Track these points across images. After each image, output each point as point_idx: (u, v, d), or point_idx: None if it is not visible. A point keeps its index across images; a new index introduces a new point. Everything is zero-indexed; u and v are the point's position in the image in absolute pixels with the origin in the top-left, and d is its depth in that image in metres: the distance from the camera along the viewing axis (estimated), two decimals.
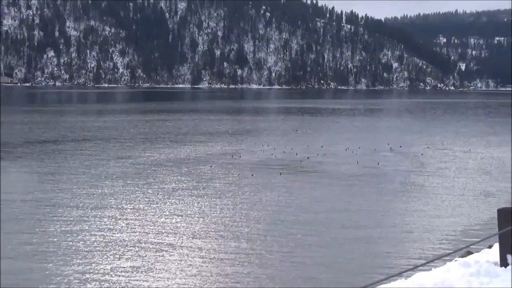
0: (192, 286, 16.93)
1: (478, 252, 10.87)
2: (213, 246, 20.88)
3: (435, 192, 31.54)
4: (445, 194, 30.98)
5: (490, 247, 10.65)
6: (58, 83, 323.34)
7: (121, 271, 18.16)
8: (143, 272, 17.99)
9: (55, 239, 21.32)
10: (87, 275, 17.78)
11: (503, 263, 8.55)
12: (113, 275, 17.79)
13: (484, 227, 21.11)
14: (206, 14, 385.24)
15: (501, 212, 8.77)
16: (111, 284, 17.10)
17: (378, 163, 41.65)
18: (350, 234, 22.56)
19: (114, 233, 22.33)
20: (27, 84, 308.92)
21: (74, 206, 26.71)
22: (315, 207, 27.62)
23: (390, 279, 7.76)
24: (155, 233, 22.45)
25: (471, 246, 12.08)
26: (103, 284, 17.01)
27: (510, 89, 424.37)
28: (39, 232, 22.42)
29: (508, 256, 8.56)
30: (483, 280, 8.04)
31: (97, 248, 20.39)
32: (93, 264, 18.67)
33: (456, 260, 9.70)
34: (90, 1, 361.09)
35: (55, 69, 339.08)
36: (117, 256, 19.54)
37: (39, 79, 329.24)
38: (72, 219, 24.28)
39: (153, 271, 18.10)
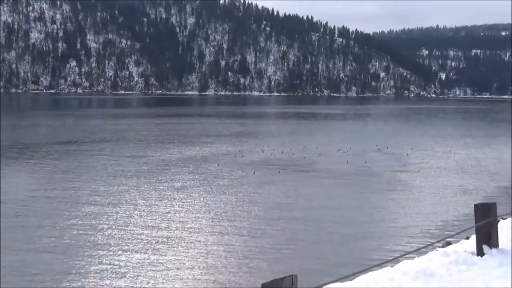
0: (198, 272, 16.93)
1: (457, 243, 10.91)
2: (218, 235, 20.92)
3: (419, 189, 31.57)
4: (427, 191, 31.02)
5: (467, 238, 10.69)
6: (79, 90, 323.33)
7: (135, 259, 18.16)
8: (155, 259, 17.99)
9: (74, 231, 21.33)
10: (105, 265, 17.75)
11: (480, 252, 8.60)
12: (128, 262, 17.77)
13: (462, 220, 21.17)
14: (213, 28, 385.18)
15: (478, 207, 8.83)
16: (127, 271, 17.05)
17: (366, 162, 41.68)
18: (341, 226, 22.61)
19: (129, 225, 22.40)
20: (52, 91, 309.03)
21: (93, 200, 26.76)
22: (310, 202, 27.68)
23: (378, 266, 7.83)
24: (166, 224, 22.50)
25: (450, 238, 12.14)
26: (119, 271, 16.97)
27: (486, 96, 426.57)
28: (61, 224, 22.39)
29: (484, 247, 8.61)
30: (461, 268, 8.09)
31: (114, 237, 20.44)
32: (111, 252, 18.69)
33: (437, 250, 9.75)
34: (108, 17, 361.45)
35: (77, 77, 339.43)
36: (131, 245, 19.58)
37: (62, 86, 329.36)
38: (91, 212, 24.33)
39: (163, 258, 18.14)
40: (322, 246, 19.67)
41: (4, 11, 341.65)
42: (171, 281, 16.22)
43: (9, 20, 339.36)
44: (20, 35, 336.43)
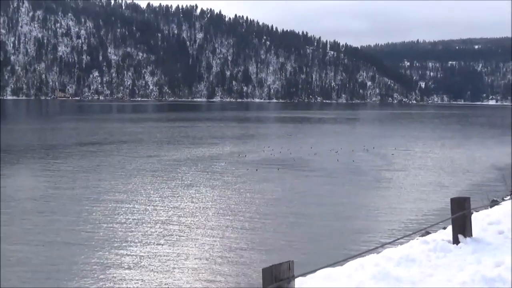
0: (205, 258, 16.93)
1: (435, 232, 10.90)
2: (223, 226, 20.94)
3: (401, 185, 31.59)
4: (409, 186, 31.04)
5: (444, 228, 10.68)
6: (101, 97, 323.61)
7: (149, 248, 18.16)
8: (167, 246, 18.02)
9: (94, 224, 21.35)
10: (123, 251, 17.74)
11: (455, 241, 8.60)
12: (143, 251, 17.78)
13: (439, 213, 21.11)
14: (219, 42, 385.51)
15: (454, 201, 8.85)
16: (143, 259, 17.03)
17: (354, 161, 41.73)
18: (332, 218, 22.62)
19: (144, 216, 22.42)
20: (77, 98, 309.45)
21: (111, 195, 26.80)
22: (305, 196, 27.71)
23: (366, 253, 7.82)
24: (177, 215, 22.53)
25: (429, 228, 12.11)
26: (135, 259, 16.94)
27: (461, 102, 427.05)
28: (81, 218, 22.41)
29: (459, 236, 8.62)
30: (439, 254, 8.09)
31: (129, 228, 20.47)
32: (128, 240, 18.73)
33: (417, 239, 9.74)
34: (126, 32, 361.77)
35: (99, 86, 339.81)
36: (146, 234, 19.62)
37: (86, 94, 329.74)
38: (109, 205, 24.37)
39: (173, 246, 18.16)
40: (315, 235, 19.67)
41: (35, 27, 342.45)
42: (180, 261, 16.22)
43: (39, 35, 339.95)
44: (49, 48, 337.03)
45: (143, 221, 21.60)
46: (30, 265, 16.30)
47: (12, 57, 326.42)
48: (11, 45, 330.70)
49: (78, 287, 14.51)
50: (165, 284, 14.65)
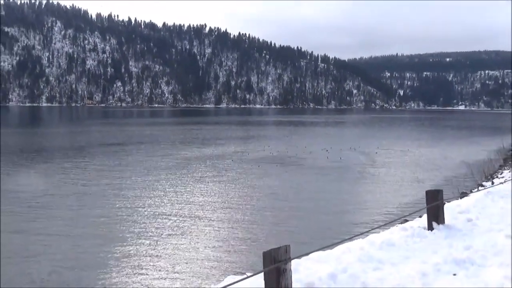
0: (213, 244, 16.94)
1: (412, 220, 10.89)
2: (228, 214, 20.93)
3: (383, 179, 31.57)
4: (390, 180, 31.00)
5: (420, 216, 10.67)
6: (123, 104, 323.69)
7: (163, 237, 18.15)
8: (179, 233, 18.03)
9: (115, 215, 21.36)
10: (142, 239, 17.72)
11: (430, 227, 8.61)
12: (158, 239, 17.78)
13: (416, 203, 21.07)
14: (225, 56, 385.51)
15: (428, 193, 8.86)
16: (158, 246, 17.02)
17: (341, 158, 41.60)
18: (322, 207, 22.60)
19: (159, 207, 22.39)
20: (102, 105, 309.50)
21: (131, 189, 26.82)
22: (299, 189, 27.67)
23: (351, 238, 7.81)
24: (188, 207, 22.50)
25: (407, 216, 12.10)
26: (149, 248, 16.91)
27: (434, 107, 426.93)
28: (105, 210, 22.41)
29: (433, 223, 8.62)
30: (415, 239, 8.10)
31: (147, 215, 20.49)
32: (144, 228, 18.75)
33: (397, 226, 9.73)
34: (145, 48, 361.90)
35: (122, 94, 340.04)
36: (160, 224, 19.61)
37: (111, 101, 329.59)
38: (129, 198, 24.38)
39: (185, 234, 18.17)
40: (308, 223, 19.69)
41: (66, 44, 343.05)
42: (191, 246, 16.24)
43: (70, 50, 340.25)
44: (78, 62, 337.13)
45: (158, 211, 21.60)
46: (53, 255, 16.26)
47: (47, 70, 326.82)
48: (46, 59, 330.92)
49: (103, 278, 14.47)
50: (176, 266, 14.65)
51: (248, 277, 5.38)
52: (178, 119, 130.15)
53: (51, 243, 16.72)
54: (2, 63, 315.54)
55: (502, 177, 22.86)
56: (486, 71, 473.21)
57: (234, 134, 72.62)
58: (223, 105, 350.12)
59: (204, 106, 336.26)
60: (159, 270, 14.26)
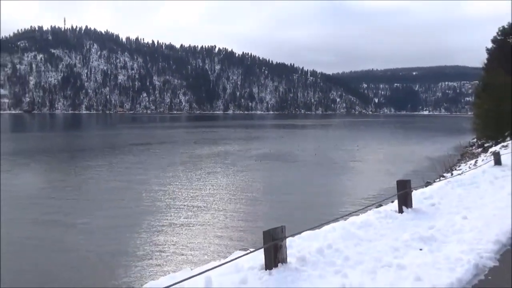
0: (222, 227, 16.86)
1: (385, 205, 10.80)
2: (234, 201, 20.88)
3: (361, 171, 31.51)
4: (368, 172, 30.94)
5: (392, 202, 10.59)
6: (148, 111, 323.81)
7: (176, 226, 18.06)
8: (193, 219, 17.99)
9: (141, 203, 21.27)
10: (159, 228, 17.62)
11: (400, 211, 8.55)
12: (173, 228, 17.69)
13: (389, 191, 20.96)
14: (231, 71, 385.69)
15: (399, 182, 8.81)
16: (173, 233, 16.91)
17: (327, 155, 41.55)
18: (311, 194, 22.53)
19: (176, 195, 22.35)
20: (131, 112, 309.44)
21: (154, 180, 26.78)
22: (292, 179, 27.62)
23: (336, 219, 7.77)
24: (201, 195, 22.47)
25: (381, 202, 12.03)
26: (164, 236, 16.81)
27: (403, 113, 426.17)
28: (132, 196, 22.26)
29: (403, 207, 8.57)
30: (388, 220, 8.04)
31: (166, 202, 20.44)
32: (165, 211, 18.65)
33: (373, 209, 9.65)
34: (166, 65, 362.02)
35: (147, 103, 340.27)
36: (177, 208, 19.56)
37: (138, 109, 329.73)
38: (152, 188, 24.33)
39: (197, 216, 18.12)
40: (300, 207, 19.63)
41: (101, 62, 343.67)
42: (202, 227, 16.20)
43: (105, 68, 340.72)
44: (111, 77, 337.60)
45: (176, 198, 21.58)
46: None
47: (86, 83, 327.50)
48: (85, 75, 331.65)
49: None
50: (190, 244, 14.61)
51: (251, 252, 5.39)
52: (193, 123, 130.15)
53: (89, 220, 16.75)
54: (49, 79, 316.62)
55: (460, 169, 22.78)
56: (446, 82, 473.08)
57: (238, 135, 72.57)
58: (230, 112, 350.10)
59: (214, 112, 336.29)
60: (177, 246, 14.22)
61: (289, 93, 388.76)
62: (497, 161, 14.77)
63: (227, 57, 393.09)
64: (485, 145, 35.34)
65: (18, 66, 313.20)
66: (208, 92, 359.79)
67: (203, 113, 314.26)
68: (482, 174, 13.26)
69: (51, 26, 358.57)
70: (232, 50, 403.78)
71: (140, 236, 15.20)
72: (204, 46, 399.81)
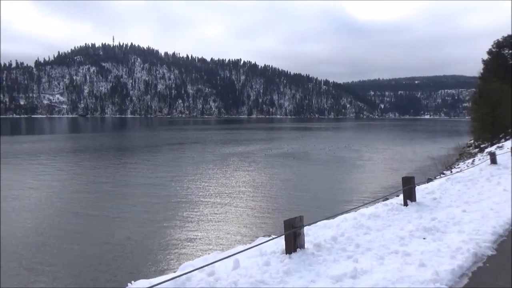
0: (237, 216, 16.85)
1: (392, 198, 10.63)
2: (256, 193, 20.82)
3: (369, 169, 30.99)
4: (375, 169, 30.44)
5: (398, 196, 10.43)
6: (183, 115, 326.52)
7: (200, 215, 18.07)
8: (217, 206, 18.00)
9: (174, 194, 21.39)
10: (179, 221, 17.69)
11: (405, 204, 8.41)
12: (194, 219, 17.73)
13: (395, 186, 20.63)
14: (255, 81, 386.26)
15: (404, 178, 8.65)
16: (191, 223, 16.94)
17: (338, 154, 41.08)
18: (325, 189, 22.31)
19: (206, 189, 22.41)
20: (169, 116, 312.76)
21: (185, 176, 26.95)
22: (309, 174, 27.29)
23: (348, 211, 7.68)
24: (227, 188, 22.49)
25: (388, 195, 11.83)
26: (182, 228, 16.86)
27: (407, 117, 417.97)
28: (168, 189, 22.37)
29: (408, 201, 8.42)
30: (395, 212, 7.91)
31: (197, 194, 20.54)
32: (196, 202, 18.72)
33: (380, 202, 9.50)
34: (198, 76, 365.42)
35: (182, 108, 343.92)
36: (207, 201, 19.60)
37: (175, 113, 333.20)
38: (184, 182, 24.45)
39: (223, 207, 18.10)
40: (316, 199, 19.47)
41: (144, 73, 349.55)
42: (228, 216, 16.22)
43: (147, 78, 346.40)
44: (152, 86, 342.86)
45: (206, 190, 21.68)
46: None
47: (131, 92, 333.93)
48: (130, 84, 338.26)
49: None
50: (219, 230, 14.65)
51: (273, 238, 5.41)
52: (221, 126, 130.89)
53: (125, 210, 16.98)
54: (100, 88, 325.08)
55: (459, 167, 22.19)
56: (445, 90, 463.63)
57: (261, 136, 72.56)
58: (253, 116, 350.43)
59: (240, 116, 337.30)
60: (207, 233, 14.29)
61: (304, 100, 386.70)
62: (493, 160, 14.36)
63: (251, 68, 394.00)
64: (481, 146, 34.38)
65: (74, 77, 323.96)
66: (234, 99, 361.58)
67: (230, 117, 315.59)
68: (479, 172, 12.90)
69: (102, 43, 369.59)
70: (255, 62, 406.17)
71: (175, 225, 15.34)
72: (231, 59, 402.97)
